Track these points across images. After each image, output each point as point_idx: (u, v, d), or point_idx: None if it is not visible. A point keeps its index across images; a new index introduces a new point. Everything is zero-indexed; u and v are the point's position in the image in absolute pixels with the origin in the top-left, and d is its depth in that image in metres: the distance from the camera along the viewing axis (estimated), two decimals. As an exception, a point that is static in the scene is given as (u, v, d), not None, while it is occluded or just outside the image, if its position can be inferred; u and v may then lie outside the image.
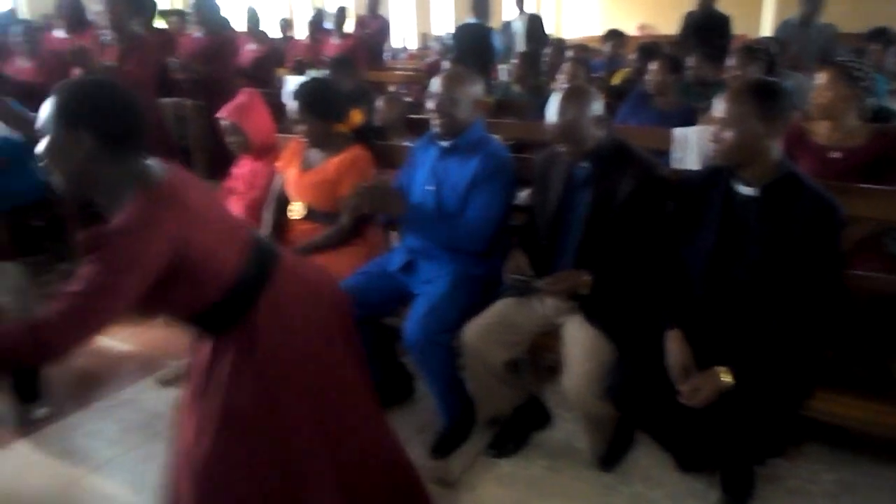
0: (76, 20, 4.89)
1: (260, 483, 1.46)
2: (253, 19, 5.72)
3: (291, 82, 3.72)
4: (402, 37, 10.31)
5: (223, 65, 4.55)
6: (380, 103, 3.24)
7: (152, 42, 4.26)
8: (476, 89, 2.31)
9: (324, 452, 1.53)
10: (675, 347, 1.83)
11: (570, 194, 2.12)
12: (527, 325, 2.16)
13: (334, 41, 5.72)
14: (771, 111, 1.73)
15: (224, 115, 2.79)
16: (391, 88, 5.30)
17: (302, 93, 2.49)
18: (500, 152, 2.31)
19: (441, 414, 2.36)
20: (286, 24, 6.93)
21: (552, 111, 2.03)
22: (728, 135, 1.76)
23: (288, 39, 6.76)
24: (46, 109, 1.35)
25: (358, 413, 1.64)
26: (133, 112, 1.39)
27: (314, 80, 2.65)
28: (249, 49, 5.61)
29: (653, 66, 3.45)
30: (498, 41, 5.30)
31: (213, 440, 1.45)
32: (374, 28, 6.40)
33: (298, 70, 5.91)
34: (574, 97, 2.01)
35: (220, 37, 4.62)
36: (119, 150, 1.35)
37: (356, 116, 2.64)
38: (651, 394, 1.89)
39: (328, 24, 6.43)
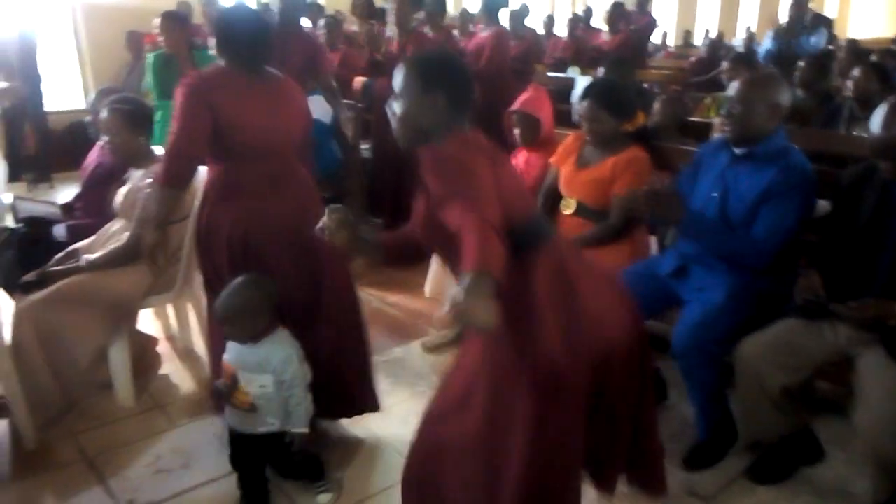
0: (368, 13, 5.48)
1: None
2: (519, 16, 5.90)
3: (582, 82, 3.79)
4: (662, 33, 9.94)
5: (499, 61, 4.77)
6: (656, 104, 3.19)
7: (428, 38, 4.63)
8: (779, 96, 2.18)
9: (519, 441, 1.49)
10: None
11: (884, 215, 1.93)
12: (814, 351, 2.01)
13: (604, 38, 5.70)
14: None
15: (519, 108, 2.95)
16: (645, 85, 5.17)
17: (597, 91, 2.55)
18: (801, 165, 2.16)
19: (698, 426, 2.29)
20: (550, 21, 7.07)
21: (876, 123, 1.86)
22: None
23: (550, 36, 6.89)
24: (401, 77, 1.55)
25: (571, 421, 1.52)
26: (470, 79, 1.58)
27: (607, 79, 2.70)
28: (511, 44, 5.81)
29: None
30: (818, 41, 4.90)
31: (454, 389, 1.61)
32: (641, 25, 6.26)
33: (558, 67, 6.02)
34: (907, 109, 1.82)
35: (498, 35, 4.86)
36: (460, 110, 1.52)
37: (641, 117, 2.64)
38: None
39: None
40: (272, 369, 1.94)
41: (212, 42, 3.24)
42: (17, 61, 5.68)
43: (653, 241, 2.90)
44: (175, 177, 2.18)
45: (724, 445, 2.27)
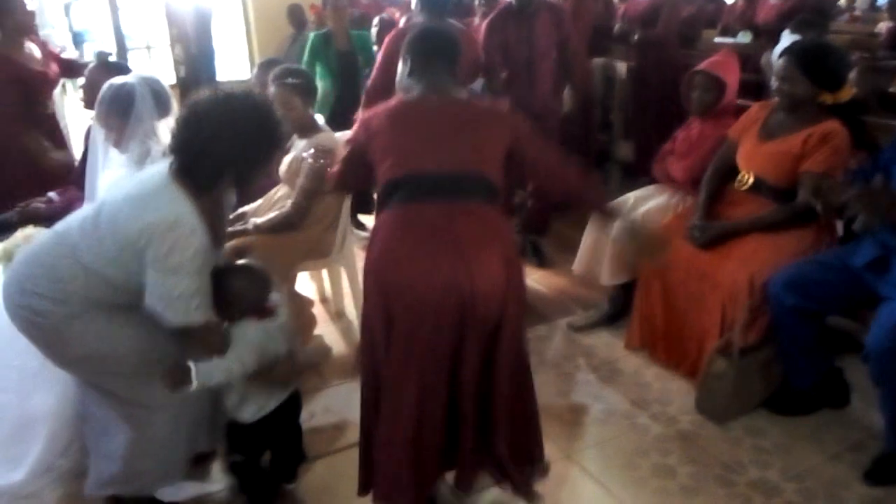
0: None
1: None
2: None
3: (786, 39, 3.41)
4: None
5: (663, 27, 4.48)
6: (851, 75, 2.81)
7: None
8: None
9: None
10: None
11: None
12: None
13: (773, 1, 5.15)
14: None
15: (705, 68, 2.69)
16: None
17: (799, 50, 2.28)
18: None
19: (887, 438, 2.03)
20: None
21: None
22: None
23: (718, 1, 6.37)
24: None
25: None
26: (430, 55, 1.83)
27: (818, 40, 2.39)
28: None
29: None
30: None
31: None
32: (825, -17, 5.56)
33: (728, 32, 5.56)
34: None
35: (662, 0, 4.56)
36: (416, 78, 1.83)
37: (847, 92, 2.32)
38: None
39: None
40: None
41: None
42: (193, 33, 6.11)
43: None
44: None
45: (918, 462, 2.00)
